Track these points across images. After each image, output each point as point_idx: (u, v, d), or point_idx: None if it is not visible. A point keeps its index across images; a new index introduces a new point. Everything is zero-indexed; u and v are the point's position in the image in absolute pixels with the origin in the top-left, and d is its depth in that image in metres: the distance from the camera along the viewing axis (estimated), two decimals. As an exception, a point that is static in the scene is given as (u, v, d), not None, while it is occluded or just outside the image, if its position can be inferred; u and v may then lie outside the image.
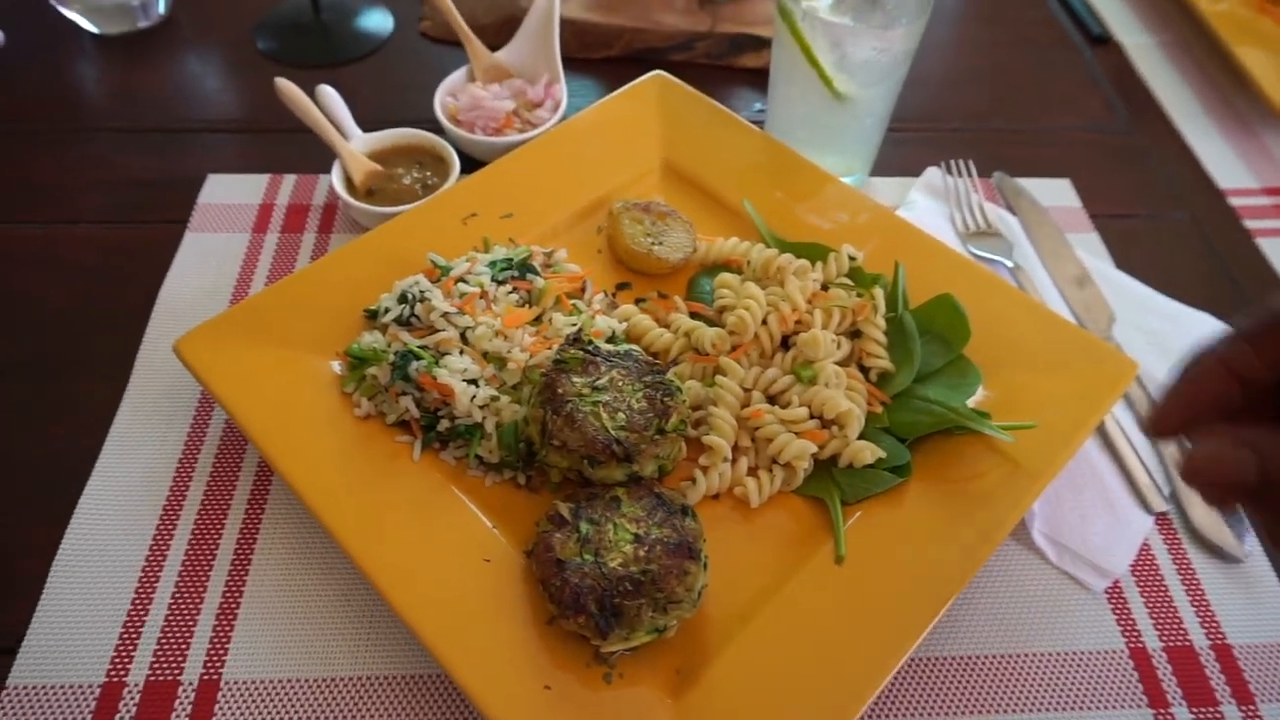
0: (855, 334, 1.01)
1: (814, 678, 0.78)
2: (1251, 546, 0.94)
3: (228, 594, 0.87)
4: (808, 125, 1.21)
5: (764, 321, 0.98)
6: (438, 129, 1.25)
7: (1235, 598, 0.91)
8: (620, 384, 0.89)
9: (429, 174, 1.19)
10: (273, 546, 0.90)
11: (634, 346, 0.95)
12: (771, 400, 0.96)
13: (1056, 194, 1.30)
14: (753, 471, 0.93)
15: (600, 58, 1.46)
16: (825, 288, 1.02)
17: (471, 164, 1.22)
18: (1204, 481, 0.52)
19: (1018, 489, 0.89)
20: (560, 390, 0.87)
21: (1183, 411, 0.56)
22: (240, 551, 0.90)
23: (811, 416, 0.93)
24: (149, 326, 1.07)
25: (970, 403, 0.95)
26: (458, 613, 0.80)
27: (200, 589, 0.87)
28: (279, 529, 0.92)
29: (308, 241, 1.18)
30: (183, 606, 0.86)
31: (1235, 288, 1.20)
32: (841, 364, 0.98)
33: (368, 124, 1.24)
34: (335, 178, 1.15)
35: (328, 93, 1.22)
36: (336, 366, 0.97)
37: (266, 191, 1.23)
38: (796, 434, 0.91)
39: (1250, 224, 1.28)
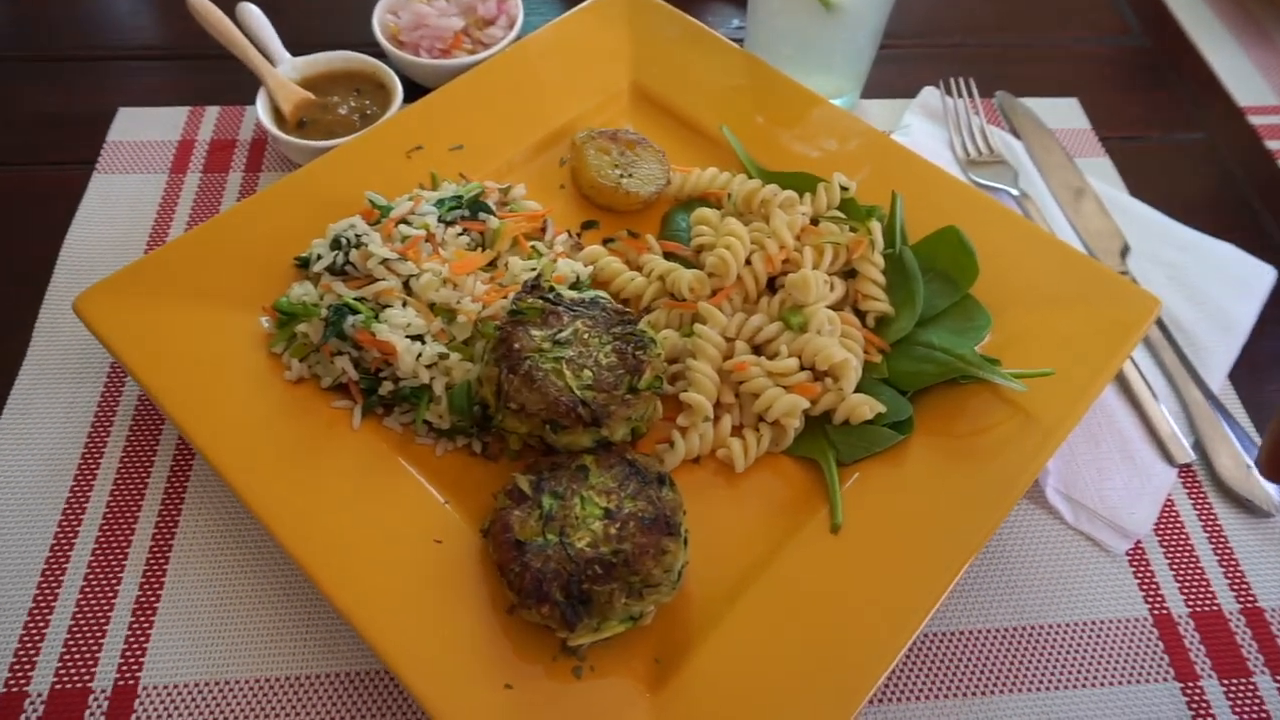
0: (850, 274, 0.90)
1: (811, 662, 0.69)
2: (1283, 499, 0.86)
3: (145, 588, 0.76)
4: (793, 40, 1.08)
5: (748, 261, 0.87)
6: (377, 52, 1.11)
7: (1267, 557, 0.83)
8: (586, 337, 0.78)
9: (367, 102, 1.06)
10: (195, 533, 0.80)
11: (601, 293, 0.84)
12: (757, 351, 0.85)
13: (1064, 115, 1.19)
14: (737, 431, 0.83)
15: (560, -30, 1.31)
16: (815, 222, 0.91)
17: (415, 90, 1.08)
18: None
19: (1032, 444, 0.80)
20: (517, 345, 0.76)
21: None
22: (159, 539, 0.79)
23: (802, 368, 0.82)
24: (52, 281, 0.95)
25: (978, 348, 0.85)
26: (404, 603, 0.70)
27: (113, 583, 0.76)
28: (202, 513, 0.81)
29: (233, 181, 1.04)
30: (93, 604, 0.75)
31: (1256, 214, 1.10)
32: (835, 308, 0.87)
33: (298, 48, 1.09)
34: (261, 109, 1.01)
35: (251, 11, 1.07)
36: (265, 323, 0.85)
37: (186, 126, 1.09)
38: (786, 388, 0.81)
39: (1272, 144, 1.17)
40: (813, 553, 0.76)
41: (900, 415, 0.81)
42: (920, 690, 0.75)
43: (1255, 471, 0.86)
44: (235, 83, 1.13)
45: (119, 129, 1.09)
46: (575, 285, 0.88)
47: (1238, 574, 0.82)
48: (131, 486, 0.82)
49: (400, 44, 1.11)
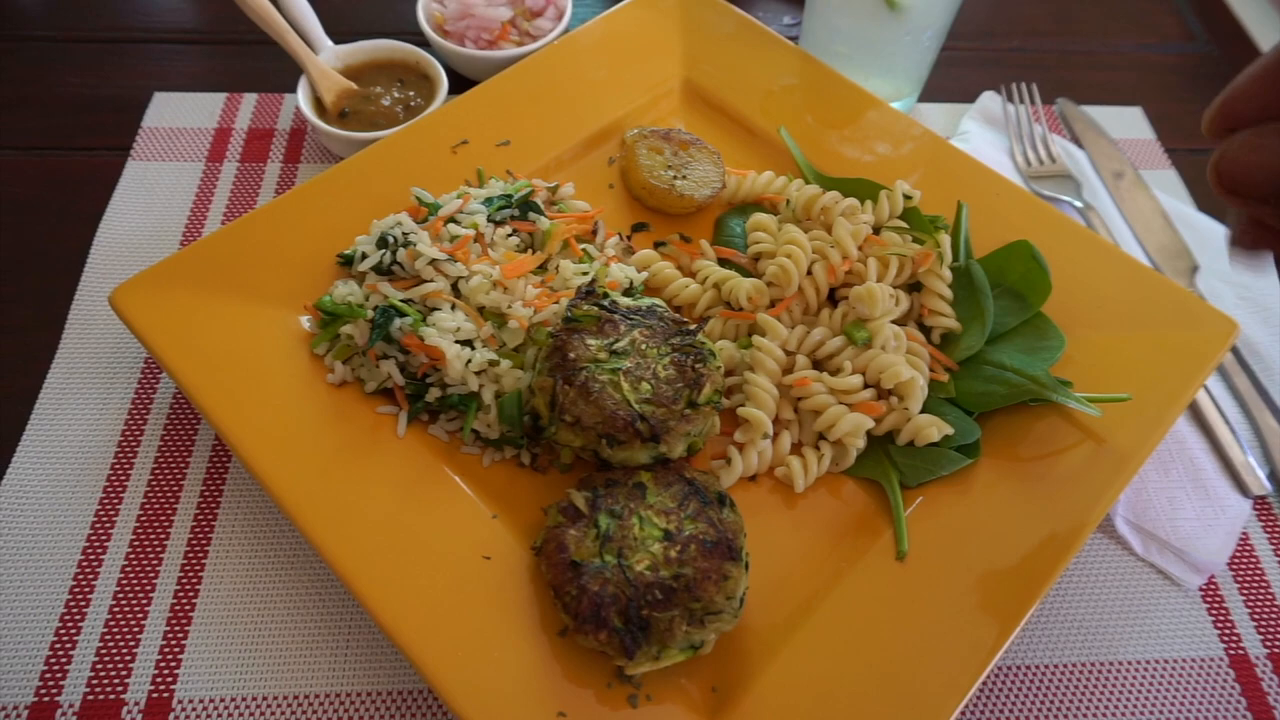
0: (914, 287, 0.86)
1: (876, 697, 0.66)
2: (1364, 535, 0.82)
3: (179, 596, 0.73)
4: (851, 40, 1.04)
5: (809, 272, 0.84)
6: (421, 41, 1.07)
7: (1348, 595, 0.79)
8: (643, 347, 0.75)
9: (412, 94, 1.02)
10: (232, 540, 0.77)
11: (658, 301, 0.80)
12: (818, 365, 0.82)
13: (1127, 124, 1.14)
14: (797, 449, 0.80)
15: (607, -39, 1.27)
16: (877, 231, 0.88)
17: (461, 83, 1.05)
18: (1234, 173, 0.44)
19: (1105, 472, 0.76)
20: (573, 355, 0.73)
21: (1245, 103, 0.45)
22: (194, 546, 0.76)
23: (866, 385, 0.79)
24: (85, 272, 0.92)
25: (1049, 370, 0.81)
26: (451, 622, 0.67)
27: (146, 592, 0.74)
28: (239, 519, 0.78)
29: (271, 172, 1.01)
30: (126, 613, 0.72)
31: (1330, 233, 1.06)
32: (899, 322, 0.84)
33: (340, 35, 1.06)
34: (302, 97, 0.98)
35: (292, -4, 1.04)
36: (305, 323, 0.82)
37: (223, 113, 1.06)
38: (848, 406, 0.78)
39: (1344, 160, 1.13)
40: (876, 580, 0.72)
41: (968, 438, 0.78)
42: (985, 727, 0.71)
43: (1336, 506, 0.82)
44: (274, 70, 1.10)
45: (154, 114, 1.06)
46: (629, 291, 0.85)
47: (1318, 614, 0.78)
48: (166, 490, 0.79)
49: (445, 34, 1.07)
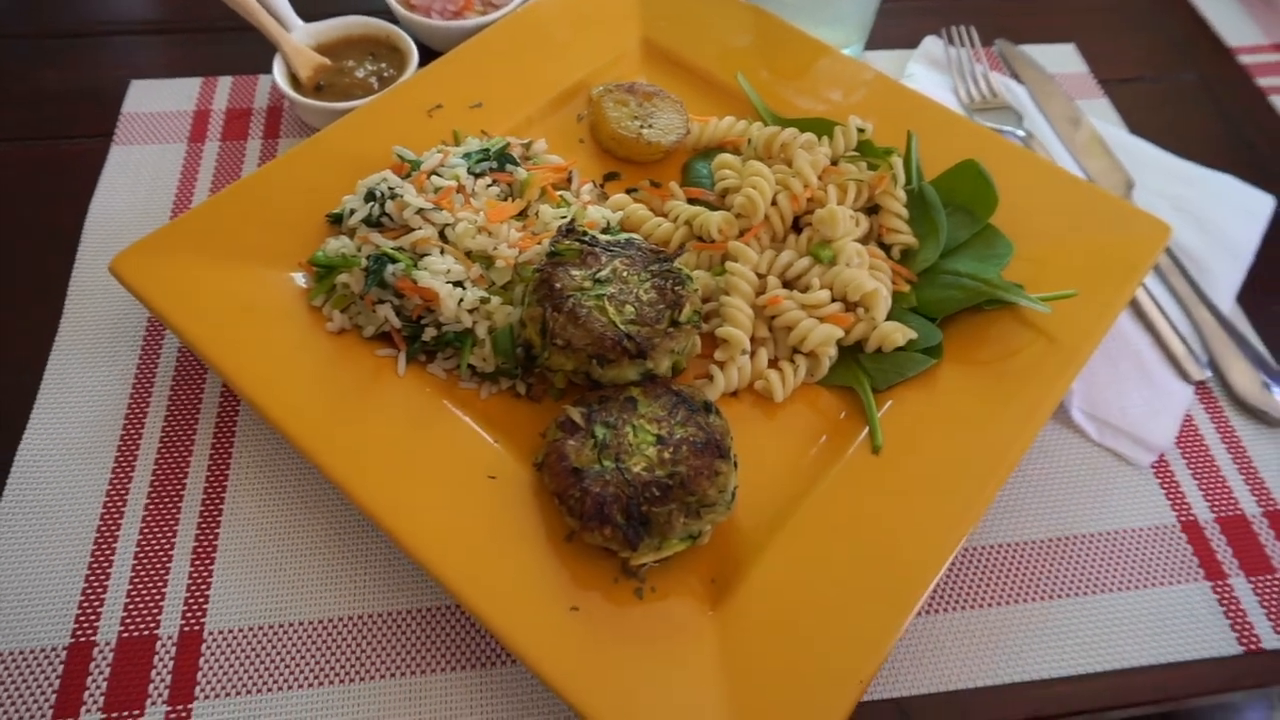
0: (872, 210, 0.92)
1: (861, 577, 0.71)
2: (1296, 409, 0.89)
3: (201, 536, 0.77)
4: (800, -8, 1.10)
5: (773, 201, 0.89)
6: (389, 17, 1.11)
7: (1284, 463, 0.87)
8: (624, 274, 0.80)
9: (384, 65, 1.06)
10: (246, 481, 0.81)
11: (634, 235, 0.85)
12: (788, 286, 0.88)
13: (1062, 60, 1.22)
14: (773, 363, 0.85)
15: (561, -65, 1.32)
16: (834, 163, 0.93)
17: (430, 54, 1.09)
18: None
19: (1057, 364, 0.82)
20: (559, 285, 0.78)
21: None
22: (211, 489, 0.80)
23: (833, 300, 0.85)
24: (80, 249, 0.95)
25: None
26: (465, 537, 0.72)
27: (169, 533, 0.77)
28: (252, 461, 0.82)
29: (252, 149, 1.05)
30: (151, 553, 0.76)
31: (1252, 147, 1.14)
32: (860, 242, 0.89)
33: (309, 14, 1.10)
34: (278, 74, 1.02)
35: (260, -23, 1.08)
36: (300, 279, 0.86)
37: (200, 96, 1.10)
38: (819, 319, 0.83)
39: (1262, 81, 1.21)
40: (856, 475, 0.78)
41: (930, 341, 0.84)
42: (963, 600, 0.77)
43: (1271, 386, 0.89)
44: (246, 54, 1.13)
45: (133, 101, 1.09)
46: (606, 231, 0.89)
47: (1257, 480, 0.85)
48: (179, 441, 0.82)
49: (412, 7, 1.12)
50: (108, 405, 0.84)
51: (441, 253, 0.83)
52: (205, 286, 0.83)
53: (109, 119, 1.07)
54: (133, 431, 0.83)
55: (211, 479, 0.80)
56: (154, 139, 1.05)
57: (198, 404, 0.85)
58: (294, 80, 1.04)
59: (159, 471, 0.81)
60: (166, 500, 0.79)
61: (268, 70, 1.10)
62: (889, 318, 0.85)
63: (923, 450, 0.79)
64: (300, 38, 1.06)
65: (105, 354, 0.88)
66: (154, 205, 0.99)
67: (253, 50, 1.11)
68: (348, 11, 1.10)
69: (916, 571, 0.71)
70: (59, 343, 0.88)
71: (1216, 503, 0.84)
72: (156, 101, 1.09)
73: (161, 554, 0.76)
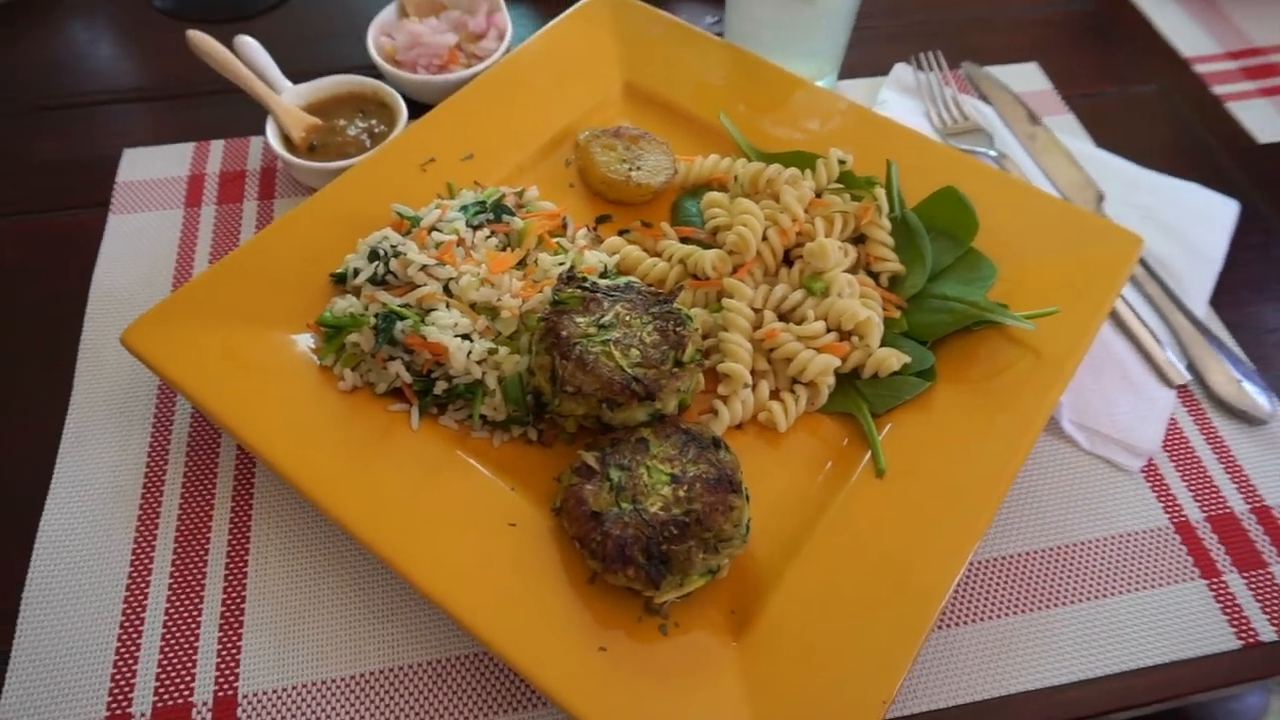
0: (858, 240, 0.96)
1: (876, 597, 0.74)
2: (1275, 407, 0.93)
3: (228, 600, 0.79)
4: (773, 29, 1.14)
5: (764, 237, 0.92)
6: (375, 73, 1.14)
7: (1266, 459, 0.90)
8: (627, 318, 0.82)
9: (374, 122, 1.09)
10: (269, 541, 0.82)
11: (632, 278, 0.88)
12: (783, 318, 0.91)
13: (1026, 78, 1.26)
14: (775, 395, 0.88)
15: (536, -19, 1.35)
16: (819, 195, 0.97)
17: (417, 107, 1.12)
18: None
19: (1045, 379, 0.86)
20: (565, 333, 0.80)
21: None
22: (234, 552, 0.81)
23: (828, 330, 0.88)
24: (86, 322, 0.96)
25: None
26: (491, 584, 0.74)
27: (196, 599, 0.79)
28: (272, 521, 0.84)
29: (249, 211, 1.07)
30: (181, 622, 0.78)
31: (1213, 154, 1.18)
32: (850, 271, 0.93)
33: (294, 76, 1.12)
34: (271, 137, 1.04)
35: (249, 44, 1.10)
36: (308, 340, 0.88)
37: (193, 161, 1.12)
38: (816, 350, 0.86)
39: (1218, 89, 1.26)
40: (862, 498, 0.81)
41: (924, 364, 0.87)
42: (970, 614, 0.80)
43: (1247, 386, 0.93)
44: (235, 116, 1.15)
45: (127, 170, 1.10)
46: (603, 274, 0.92)
47: (1243, 478, 0.89)
48: (199, 507, 0.84)
49: (397, 64, 1.14)
50: (125, 475, 0.86)
51: (447, 307, 0.86)
52: (217, 353, 0.85)
53: (104, 188, 1.09)
54: (152, 500, 0.84)
55: (234, 542, 0.82)
56: (151, 206, 1.07)
57: (214, 467, 0.87)
58: (287, 142, 1.06)
59: (181, 538, 0.82)
60: (191, 567, 0.80)
61: (258, 132, 1.12)
62: (882, 343, 0.88)
63: (924, 470, 0.82)
64: (290, 99, 1.09)
65: (119, 424, 0.89)
66: (156, 273, 1.01)
67: (242, 112, 1.14)
68: (333, 70, 1.13)
69: (928, 589, 0.74)
70: (72, 416, 0.89)
71: (1206, 503, 0.87)
72: (151, 169, 1.10)
73: (190, 621, 0.78)
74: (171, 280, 1.00)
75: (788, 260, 0.95)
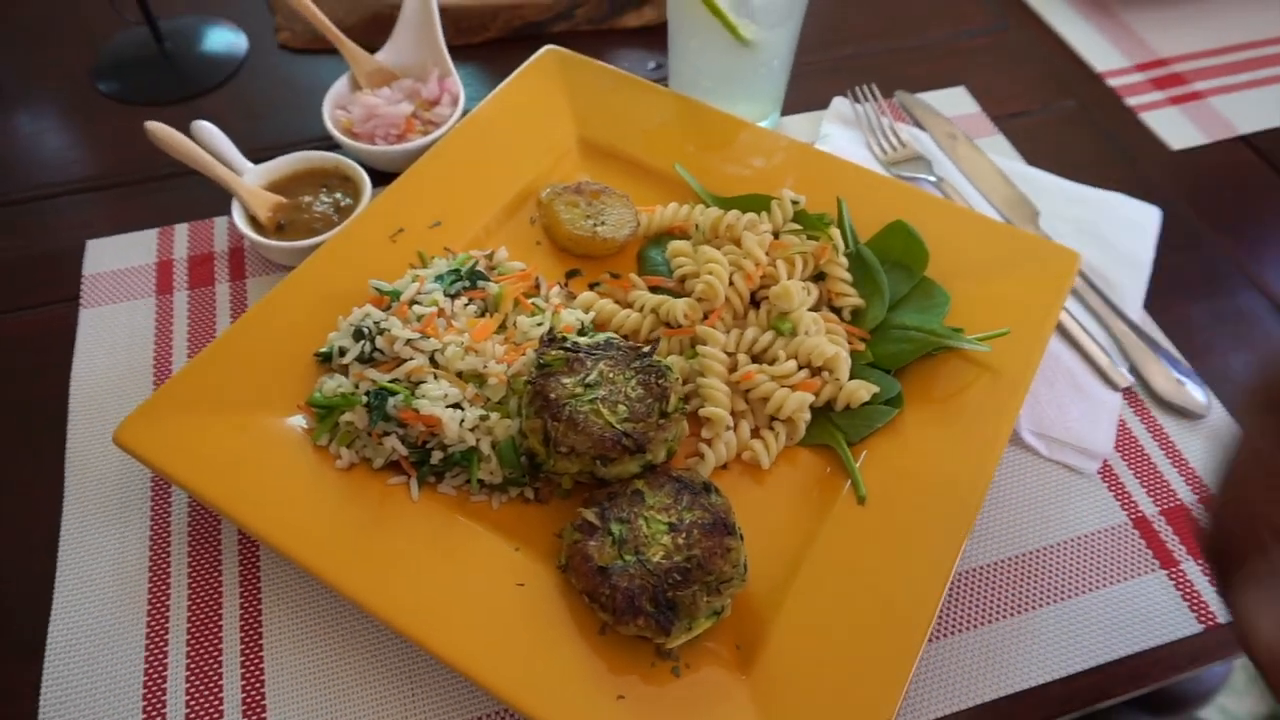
0: (819, 277, 1.01)
1: (872, 616, 0.79)
2: (1209, 400, 1.00)
3: (247, 688, 0.80)
4: (714, 76, 1.19)
5: (730, 282, 0.97)
6: (333, 146, 1.16)
7: (1209, 451, 0.98)
8: (611, 375, 0.86)
9: (339, 196, 1.11)
10: (282, 626, 0.84)
11: (612, 334, 0.92)
12: (755, 359, 0.95)
13: (955, 102, 1.34)
14: (755, 433, 0.93)
15: (480, 41, 1.39)
16: (776, 236, 1.02)
17: (379, 177, 1.14)
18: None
19: (1003, 395, 0.92)
20: (554, 395, 0.84)
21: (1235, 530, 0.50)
22: (248, 643, 0.83)
23: (800, 368, 0.93)
24: (70, 422, 0.97)
25: (943, 322, 0.97)
26: (507, 644, 0.77)
27: (215, 691, 0.80)
28: (283, 605, 0.85)
29: (222, 293, 1.08)
30: (201, 716, 0.79)
31: (1133, 163, 1.27)
32: (813, 309, 0.98)
33: (249, 152, 1.14)
34: (239, 220, 1.06)
35: (207, 129, 1.11)
36: (301, 421, 0.90)
37: (159, 247, 1.12)
38: (790, 388, 0.91)
39: (1131, 101, 1.35)
40: (847, 525, 0.86)
41: (891, 392, 0.92)
42: (955, 625, 0.86)
43: (1185, 383, 1.01)
44: (196, 199, 1.16)
45: (92, 261, 1.11)
46: (582, 331, 0.96)
47: (1189, 471, 0.96)
48: (207, 597, 0.85)
49: (355, 136, 1.17)
50: (129, 573, 0.87)
51: (435, 378, 0.89)
52: (210, 443, 0.86)
53: (70, 283, 1.09)
54: (159, 594, 0.85)
55: (246, 629, 0.84)
56: (122, 297, 1.07)
57: (218, 555, 0.88)
58: (255, 223, 1.07)
59: (193, 631, 0.83)
60: (207, 660, 0.82)
61: (221, 212, 1.14)
62: (851, 376, 0.93)
63: (902, 493, 0.87)
64: (252, 180, 1.10)
65: (116, 522, 0.90)
66: (135, 364, 1.01)
67: (202, 195, 1.15)
68: (287, 144, 1.15)
69: (917, 605, 0.79)
70: (67, 520, 0.90)
71: (1159, 497, 0.94)
72: (117, 258, 1.11)
73: (212, 713, 0.79)
74: (152, 369, 1.01)
75: (754, 302, 0.99)
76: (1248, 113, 1.32)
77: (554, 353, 0.87)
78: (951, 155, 1.25)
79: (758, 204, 1.05)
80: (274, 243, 1.04)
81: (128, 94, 1.32)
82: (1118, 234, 1.15)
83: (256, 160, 1.13)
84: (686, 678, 0.77)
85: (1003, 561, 0.90)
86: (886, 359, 0.95)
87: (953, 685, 0.82)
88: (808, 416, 0.92)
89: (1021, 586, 0.88)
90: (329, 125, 1.16)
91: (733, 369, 0.94)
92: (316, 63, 1.36)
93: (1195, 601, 0.87)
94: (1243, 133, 1.30)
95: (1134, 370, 1.03)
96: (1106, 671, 0.84)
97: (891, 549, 0.83)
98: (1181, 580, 0.88)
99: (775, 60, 1.18)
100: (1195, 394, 1.00)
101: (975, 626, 0.86)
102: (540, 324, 0.95)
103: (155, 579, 0.86)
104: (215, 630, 0.83)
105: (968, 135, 1.28)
